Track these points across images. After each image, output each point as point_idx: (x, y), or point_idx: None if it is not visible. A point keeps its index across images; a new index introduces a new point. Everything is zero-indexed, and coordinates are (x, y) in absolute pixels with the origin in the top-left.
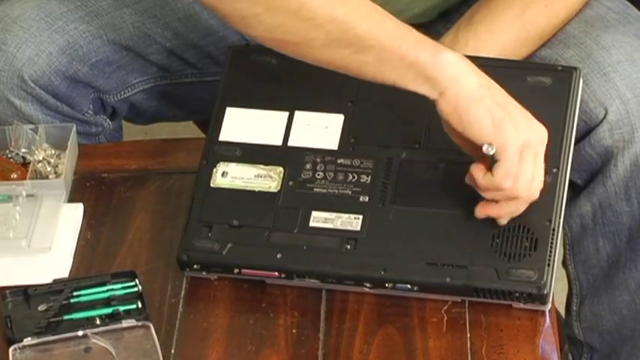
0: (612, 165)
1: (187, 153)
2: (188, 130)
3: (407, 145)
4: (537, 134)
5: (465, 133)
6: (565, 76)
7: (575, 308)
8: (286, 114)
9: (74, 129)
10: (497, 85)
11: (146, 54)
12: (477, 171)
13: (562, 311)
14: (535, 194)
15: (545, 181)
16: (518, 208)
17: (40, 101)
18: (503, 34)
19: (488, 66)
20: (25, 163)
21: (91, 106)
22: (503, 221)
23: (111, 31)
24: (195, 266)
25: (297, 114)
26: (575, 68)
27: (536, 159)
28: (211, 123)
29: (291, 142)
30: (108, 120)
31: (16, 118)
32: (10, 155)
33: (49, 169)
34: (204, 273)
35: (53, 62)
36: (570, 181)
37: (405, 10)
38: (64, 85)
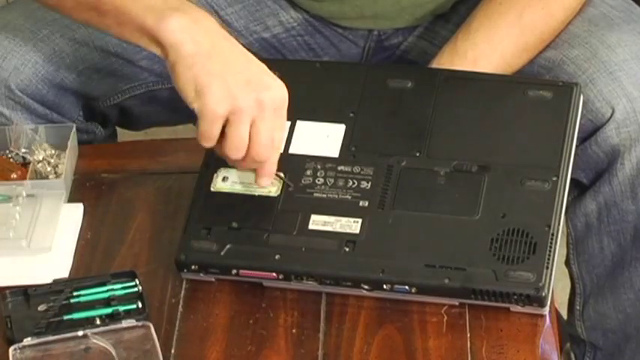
0: (619, 163)
1: (187, 153)
2: (188, 130)
3: (407, 154)
4: (270, 94)
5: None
6: (565, 90)
7: (578, 307)
8: (288, 124)
9: (74, 129)
10: (225, 55)
11: (136, 60)
12: None
13: (562, 310)
14: (265, 153)
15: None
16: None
17: (29, 110)
18: (502, 40)
19: (490, 81)
20: (25, 163)
21: (81, 113)
22: (262, 181)
23: (98, 39)
24: (193, 267)
25: (299, 124)
26: (576, 83)
27: (264, 118)
28: None
29: (292, 150)
30: (100, 127)
31: None
32: (10, 155)
33: (49, 169)
34: (201, 275)
35: (39, 71)
36: (576, 180)
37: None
38: (52, 93)
